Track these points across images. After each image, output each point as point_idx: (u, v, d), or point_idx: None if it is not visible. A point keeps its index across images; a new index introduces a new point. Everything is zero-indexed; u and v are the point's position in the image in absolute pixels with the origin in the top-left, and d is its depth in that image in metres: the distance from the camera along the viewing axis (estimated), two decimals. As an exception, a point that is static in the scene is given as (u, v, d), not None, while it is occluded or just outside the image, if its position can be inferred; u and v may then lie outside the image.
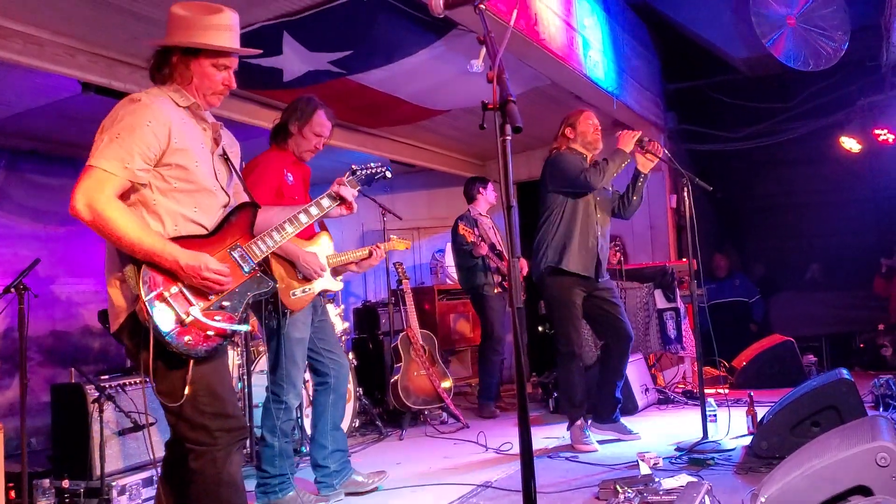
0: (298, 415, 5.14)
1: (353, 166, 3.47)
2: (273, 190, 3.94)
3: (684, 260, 7.72)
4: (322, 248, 4.16)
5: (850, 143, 8.73)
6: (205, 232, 2.65)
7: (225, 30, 2.67)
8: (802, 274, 10.23)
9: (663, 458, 4.40)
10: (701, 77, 9.34)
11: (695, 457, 4.41)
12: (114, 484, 4.20)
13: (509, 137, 2.24)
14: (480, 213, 6.93)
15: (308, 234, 4.10)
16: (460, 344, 8.55)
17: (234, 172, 2.85)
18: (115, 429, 4.41)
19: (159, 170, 2.55)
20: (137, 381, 4.62)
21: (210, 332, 2.52)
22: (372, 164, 3.52)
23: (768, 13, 7.76)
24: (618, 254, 7.58)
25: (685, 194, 4.92)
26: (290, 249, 3.92)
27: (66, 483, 4.27)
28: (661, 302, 6.93)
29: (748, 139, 9.18)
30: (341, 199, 3.25)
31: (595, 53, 6.59)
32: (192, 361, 2.50)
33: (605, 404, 5.24)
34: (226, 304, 2.59)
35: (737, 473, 4.06)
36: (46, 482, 4.33)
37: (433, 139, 8.23)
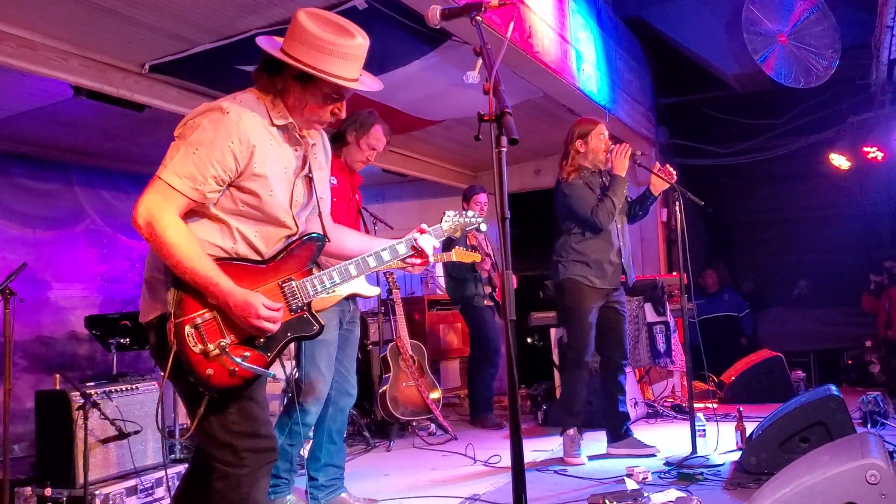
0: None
1: (447, 212, 3.06)
2: None
3: (675, 274, 7.74)
4: None
5: (840, 161, 8.78)
6: (259, 259, 2.47)
7: (354, 60, 2.43)
8: (791, 290, 10.28)
9: (652, 473, 4.38)
10: (692, 92, 9.41)
11: (684, 472, 4.40)
12: (97, 493, 4.15)
13: (505, 149, 2.24)
14: None
15: None
16: (450, 355, 8.53)
17: (314, 195, 2.60)
18: (100, 436, 4.36)
19: (231, 190, 2.38)
20: (123, 388, 4.58)
21: (233, 370, 2.31)
22: (469, 214, 3.10)
23: (760, 30, 7.83)
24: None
25: (676, 209, 4.92)
26: None
27: (48, 491, 4.22)
28: (650, 315, 6.93)
29: (739, 155, 9.24)
30: (417, 251, 2.84)
31: (588, 67, 6.61)
32: (206, 396, 2.33)
33: (614, 421, 5.17)
34: (260, 341, 2.38)
35: (726, 489, 4.05)
36: (28, 490, 4.28)
37: (426, 149, 8.23)
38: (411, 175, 8.60)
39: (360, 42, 2.45)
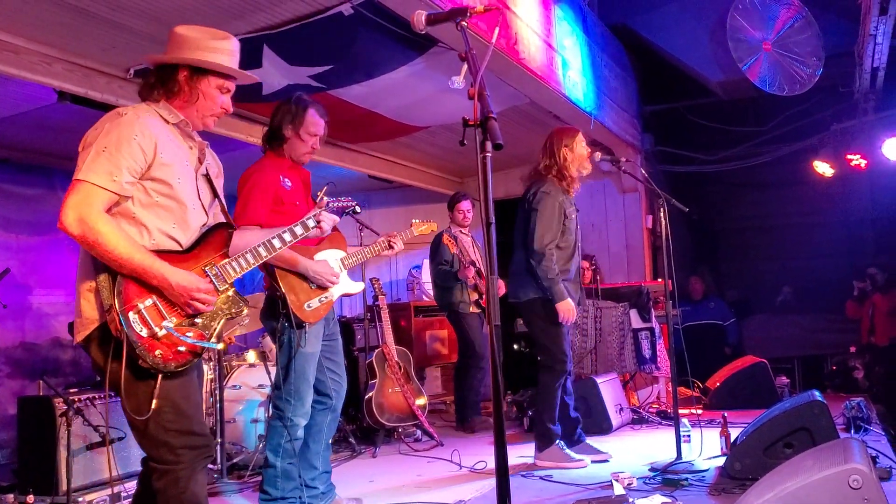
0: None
1: (324, 198, 3.40)
2: (270, 198, 3.79)
3: (660, 280, 7.77)
4: (333, 253, 4.02)
5: (824, 168, 8.84)
6: (180, 248, 2.63)
7: (231, 55, 2.72)
8: (776, 296, 10.34)
9: (637, 479, 4.39)
10: (677, 99, 9.44)
11: (669, 477, 4.41)
12: (80, 500, 4.13)
13: (489, 154, 2.24)
14: (461, 231, 6.93)
15: (316, 240, 3.88)
16: (436, 361, 8.51)
17: (215, 194, 2.83)
18: (83, 443, 4.33)
19: (143, 182, 2.54)
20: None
21: (181, 348, 2.50)
22: (342, 198, 3.47)
23: (744, 38, 7.87)
24: (589, 272, 7.61)
25: (661, 215, 4.95)
26: (292, 259, 3.75)
27: (30, 498, 4.19)
28: (636, 322, 6.95)
29: (723, 162, 9.28)
30: (318, 224, 3.22)
31: (574, 74, 6.63)
32: (160, 376, 2.47)
33: (567, 426, 5.20)
34: (197, 321, 2.58)
35: (711, 494, 4.06)
36: (11, 497, 4.25)
37: (412, 155, 8.23)
38: (397, 181, 8.59)
39: (233, 41, 2.75)
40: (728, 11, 7.86)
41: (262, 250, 2.87)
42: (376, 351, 6.28)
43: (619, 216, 8.96)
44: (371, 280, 6.53)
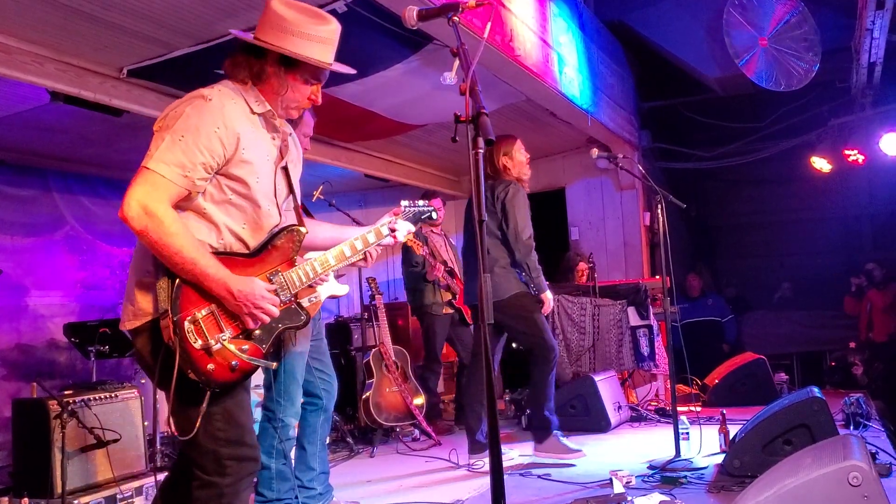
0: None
1: (402, 202, 3.10)
2: None
3: (658, 277, 7.75)
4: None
5: (821, 163, 8.83)
6: (247, 251, 2.45)
7: (330, 44, 2.46)
8: (774, 292, 10.34)
9: (636, 477, 4.37)
10: (675, 96, 9.43)
11: (667, 475, 4.39)
12: (75, 502, 4.09)
13: (482, 150, 2.22)
14: (432, 230, 6.90)
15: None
16: (433, 360, 8.47)
17: (291, 188, 2.61)
18: (79, 445, 4.30)
19: (219, 178, 2.36)
20: (102, 396, 4.52)
21: (234, 363, 2.30)
22: (421, 203, 3.15)
23: (741, 33, 7.85)
24: (587, 270, 7.59)
25: (659, 212, 4.93)
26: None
27: (25, 501, 4.15)
28: (634, 319, 6.93)
29: (721, 158, 9.27)
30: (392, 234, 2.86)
31: (570, 70, 6.61)
32: (208, 392, 2.28)
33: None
34: (256, 333, 2.37)
35: (709, 492, 4.04)
36: (6, 500, 4.22)
37: (407, 154, 8.21)
38: (394, 180, 8.57)
39: (335, 27, 2.48)
40: (724, 7, 7.85)
41: (331, 259, 2.63)
42: (373, 350, 6.26)
43: (617, 213, 8.94)
44: (368, 279, 6.51)
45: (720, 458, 4.62)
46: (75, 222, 7.03)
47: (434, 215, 3.21)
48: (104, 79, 5.01)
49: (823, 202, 10.20)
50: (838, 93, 8.54)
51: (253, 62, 2.43)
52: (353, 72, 2.59)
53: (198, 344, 2.24)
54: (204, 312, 2.28)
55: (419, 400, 6.32)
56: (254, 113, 2.44)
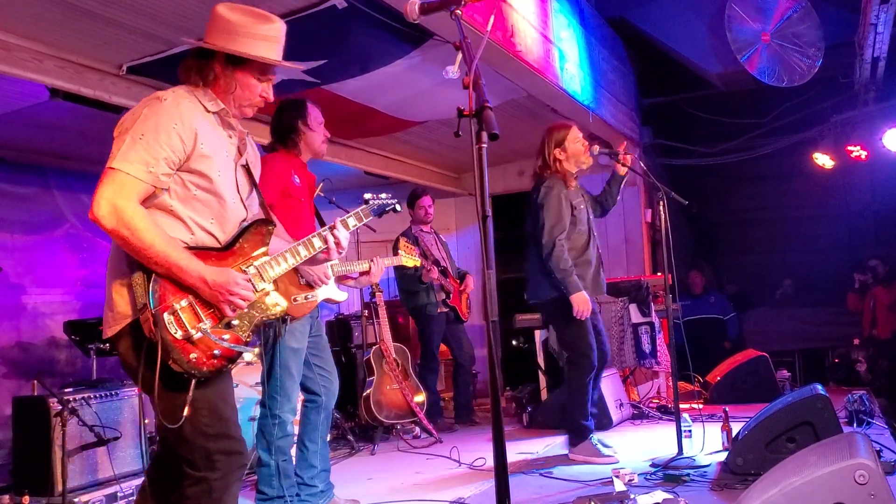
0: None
1: (365, 195, 3.28)
2: (279, 190, 3.83)
3: (659, 274, 7.73)
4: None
5: (824, 160, 8.81)
6: (218, 245, 2.52)
7: (275, 41, 2.58)
8: (776, 289, 10.31)
9: (638, 475, 4.35)
10: (676, 92, 9.41)
11: (670, 473, 4.37)
12: (76, 500, 4.10)
13: (485, 145, 2.20)
14: (422, 229, 6.88)
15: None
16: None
17: (253, 185, 2.69)
18: (79, 443, 4.29)
19: (181, 175, 2.42)
20: (103, 394, 4.51)
21: (216, 352, 2.37)
22: (383, 195, 3.31)
23: (743, 29, 7.82)
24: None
25: (660, 208, 4.90)
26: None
27: (26, 499, 4.14)
28: (636, 316, 6.91)
29: (723, 154, 9.24)
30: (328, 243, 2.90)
31: (571, 66, 6.59)
32: (193, 381, 2.33)
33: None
34: (234, 322, 2.45)
35: (712, 490, 4.02)
36: (6, 498, 4.21)
37: (408, 151, 8.18)
38: (394, 177, 8.54)
39: (279, 25, 2.60)
40: (726, 2, 7.83)
41: (302, 250, 2.74)
42: (374, 348, 6.24)
43: (618, 210, 8.84)
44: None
45: (723, 456, 4.61)
46: (75, 220, 7.01)
47: (398, 207, 3.35)
48: (104, 76, 4.98)
49: (826, 198, 10.18)
50: (841, 88, 8.51)
51: (202, 64, 2.54)
52: (303, 67, 2.77)
53: (178, 334, 2.31)
54: (183, 304, 2.35)
55: (420, 397, 6.30)
56: (209, 111, 2.53)
